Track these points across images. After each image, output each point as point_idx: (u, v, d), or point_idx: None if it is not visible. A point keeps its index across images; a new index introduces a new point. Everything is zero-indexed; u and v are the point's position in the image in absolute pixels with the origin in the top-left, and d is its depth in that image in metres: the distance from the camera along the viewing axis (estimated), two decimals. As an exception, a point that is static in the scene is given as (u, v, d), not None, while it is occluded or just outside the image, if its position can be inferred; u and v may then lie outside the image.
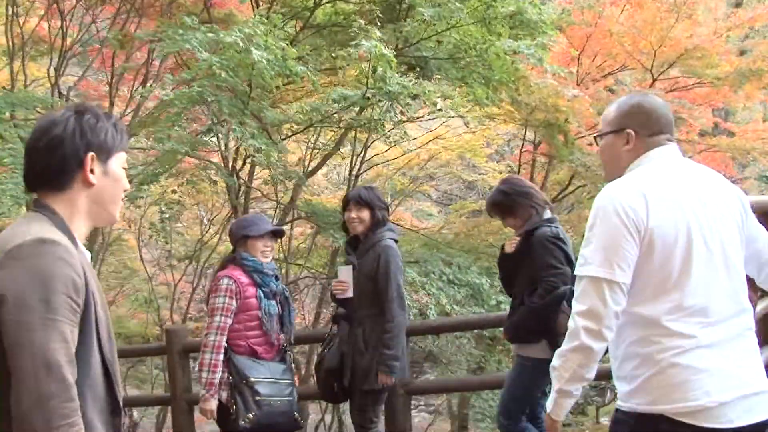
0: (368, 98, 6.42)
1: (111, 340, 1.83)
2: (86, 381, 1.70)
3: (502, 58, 7.47)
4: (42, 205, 1.81)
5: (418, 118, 9.83)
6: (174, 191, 8.67)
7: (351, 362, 4.19)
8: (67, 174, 1.82)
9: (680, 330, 2.10)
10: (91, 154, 1.82)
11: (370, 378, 4.13)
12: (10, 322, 1.59)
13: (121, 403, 1.84)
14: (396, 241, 4.33)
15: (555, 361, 2.23)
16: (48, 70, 11.16)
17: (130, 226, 14.71)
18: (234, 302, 3.95)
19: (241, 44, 5.34)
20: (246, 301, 4.00)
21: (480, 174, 13.29)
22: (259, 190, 9.63)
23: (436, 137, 11.92)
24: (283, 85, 6.74)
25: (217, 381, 3.86)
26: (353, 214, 4.23)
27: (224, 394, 3.89)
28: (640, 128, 2.34)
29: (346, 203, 4.33)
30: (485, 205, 4.33)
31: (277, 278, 4.21)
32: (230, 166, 8.84)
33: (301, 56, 7.41)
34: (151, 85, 7.29)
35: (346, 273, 4.27)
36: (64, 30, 10.27)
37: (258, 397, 3.84)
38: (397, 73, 8.30)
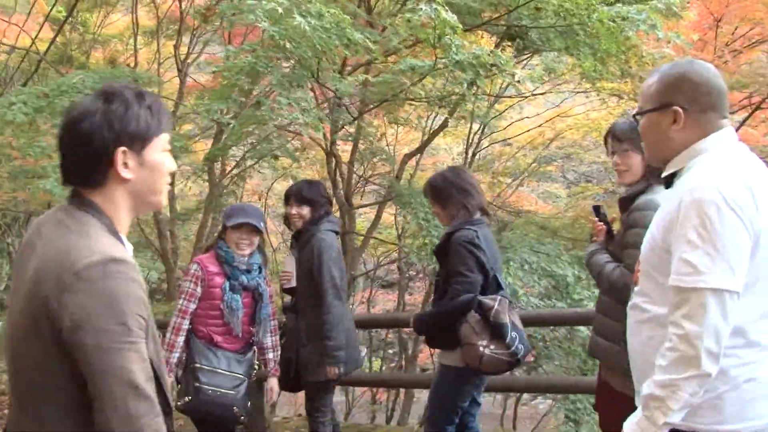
0: (439, 69, 5.94)
1: (155, 341, 1.82)
2: None
3: (606, 24, 6.65)
4: (87, 202, 1.76)
5: (524, 96, 9.10)
6: (237, 164, 8.66)
7: (295, 353, 4.25)
8: (100, 171, 1.75)
9: (759, 341, 1.93)
10: (121, 149, 1.73)
11: (312, 369, 4.16)
12: (90, 347, 1.59)
13: (171, 402, 1.86)
14: (337, 233, 4.36)
15: (657, 391, 1.87)
16: (175, 47, 11.59)
17: (259, 198, 15.14)
18: (198, 288, 3.97)
19: (281, 11, 5.07)
20: (210, 289, 3.98)
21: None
22: (350, 167, 9.39)
23: (558, 115, 11.15)
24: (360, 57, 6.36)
25: (172, 360, 3.91)
26: (293, 210, 4.28)
27: (180, 373, 3.99)
28: (690, 104, 2.06)
29: (288, 198, 4.33)
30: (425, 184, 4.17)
31: (261, 270, 4.14)
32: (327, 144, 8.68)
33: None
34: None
35: (290, 263, 4.37)
36: (183, 11, 10.56)
37: (197, 383, 3.84)
38: (499, 45, 7.78)
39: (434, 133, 9.99)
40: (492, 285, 3.77)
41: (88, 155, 1.73)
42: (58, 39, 12.64)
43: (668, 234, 2.00)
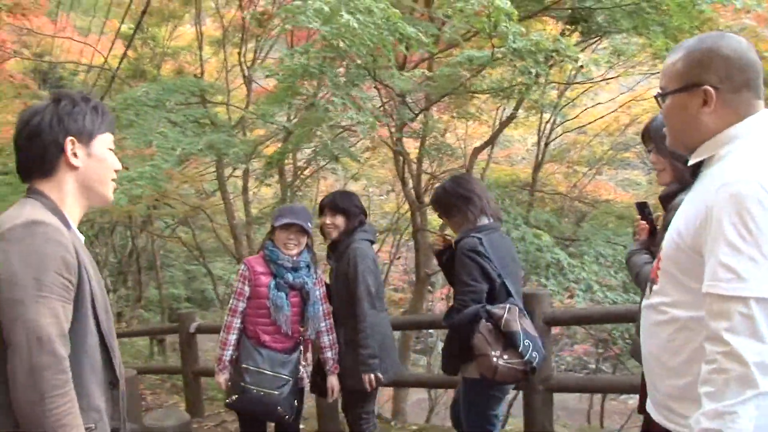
0: (498, 58, 5.72)
1: (108, 315, 1.96)
2: (84, 355, 1.84)
3: (676, -3, 6.24)
4: (34, 190, 1.95)
5: (594, 81, 8.73)
6: (299, 168, 8.61)
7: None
8: (50, 160, 1.95)
9: None
10: (70, 138, 1.95)
11: (352, 378, 4.17)
12: (4, 300, 1.72)
13: (119, 375, 1.97)
14: (372, 243, 4.37)
15: (710, 424, 1.61)
16: (239, 54, 11.69)
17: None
18: (246, 287, 4.05)
19: (327, 9, 4.97)
20: (257, 288, 4.04)
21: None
22: (419, 164, 9.22)
23: (633, 99, 10.67)
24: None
25: (225, 358, 4.04)
26: (328, 221, 4.29)
27: (232, 371, 4.08)
28: (722, 82, 1.80)
29: (322, 209, 4.35)
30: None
31: (309, 268, 4.14)
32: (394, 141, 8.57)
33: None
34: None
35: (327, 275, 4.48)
36: (244, 19, 10.64)
37: (242, 383, 3.92)
38: (564, 31, 7.47)
39: (503, 125, 9.73)
40: (501, 293, 3.67)
41: (39, 146, 1.93)
42: (131, 54, 12.96)
43: (700, 231, 1.74)
